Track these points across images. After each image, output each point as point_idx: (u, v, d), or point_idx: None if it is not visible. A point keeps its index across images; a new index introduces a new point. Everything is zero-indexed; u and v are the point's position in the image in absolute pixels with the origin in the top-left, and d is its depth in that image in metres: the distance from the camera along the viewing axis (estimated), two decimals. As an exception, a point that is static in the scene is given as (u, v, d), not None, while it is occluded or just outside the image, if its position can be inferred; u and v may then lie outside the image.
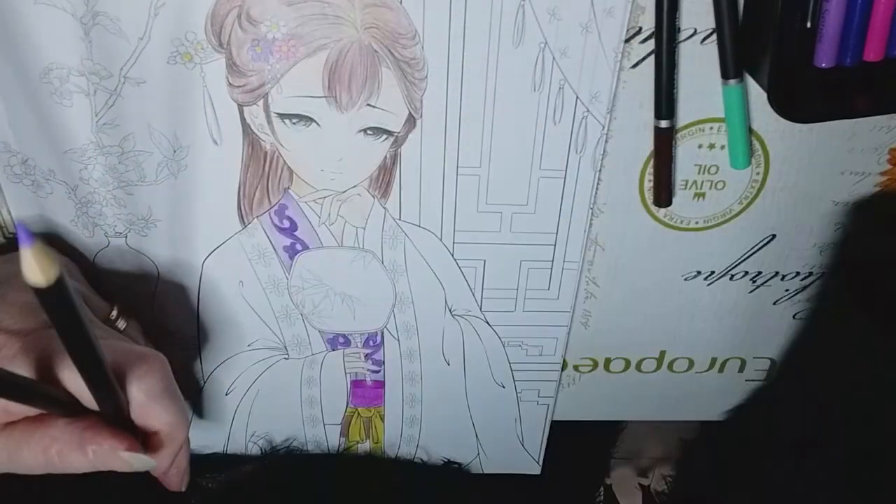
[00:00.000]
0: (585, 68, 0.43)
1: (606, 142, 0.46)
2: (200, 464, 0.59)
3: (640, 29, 0.42)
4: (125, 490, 0.52)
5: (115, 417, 0.37)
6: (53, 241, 0.47)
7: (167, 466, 0.40)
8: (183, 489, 0.43)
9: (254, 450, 0.58)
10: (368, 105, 0.43)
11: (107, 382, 0.35)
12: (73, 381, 0.35)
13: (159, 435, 0.39)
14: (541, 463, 0.61)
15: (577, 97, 0.44)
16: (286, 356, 0.53)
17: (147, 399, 0.38)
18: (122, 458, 0.37)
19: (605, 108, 0.44)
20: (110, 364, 0.36)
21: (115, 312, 0.45)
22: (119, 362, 0.37)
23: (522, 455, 0.61)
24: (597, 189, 0.47)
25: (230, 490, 0.57)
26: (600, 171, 0.47)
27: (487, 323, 0.53)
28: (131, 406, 0.38)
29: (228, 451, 0.58)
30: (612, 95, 0.44)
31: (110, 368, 0.35)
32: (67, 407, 0.36)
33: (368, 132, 0.44)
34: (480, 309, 0.52)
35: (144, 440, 0.39)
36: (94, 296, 0.45)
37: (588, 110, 0.44)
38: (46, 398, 0.35)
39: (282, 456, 0.58)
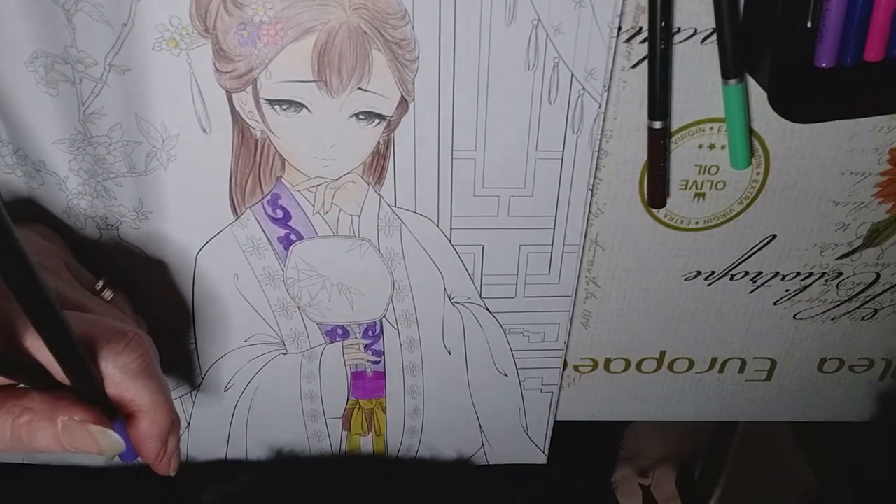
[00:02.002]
0: (580, 45, 0.42)
1: (605, 141, 0.45)
2: (199, 474, 0.58)
3: (641, 29, 0.42)
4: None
5: (90, 395, 0.36)
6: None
7: (156, 451, 0.39)
8: (172, 474, 0.42)
9: (256, 452, 0.57)
10: (360, 89, 0.42)
11: (74, 353, 0.34)
12: (42, 353, 0.34)
13: (140, 416, 0.38)
14: (546, 453, 0.61)
15: (573, 75, 0.43)
16: (284, 351, 0.52)
17: (123, 377, 0.37)
18: (91, 434, 0.36)
19: (602, 86, 0.43)
20: (83, 337, 0.35)
21: (101, 283, 0.44)
22: (93, 336, 0.36)
23: (528, 445, 0.60)
24: (595, 173, 0.47)
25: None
26: (598, 154, 0.46)
27: (488, 310, 0.52)
28: (106, 383, 0.37)
29: (229, 449, 0.57)
30: (608, 72, 0.43)
31: (79, 340, 0.34)
32: (41, 381, 0.35)
33: (360, 117, 0.43)
34: (480, 296, 0.51)
35: (128, 423, 0.38)
36: (77, 265, 0.44)
37: (584, 88, 0.43)
38: (17, 367, 0.34)
39: (284, 463, 0.58)
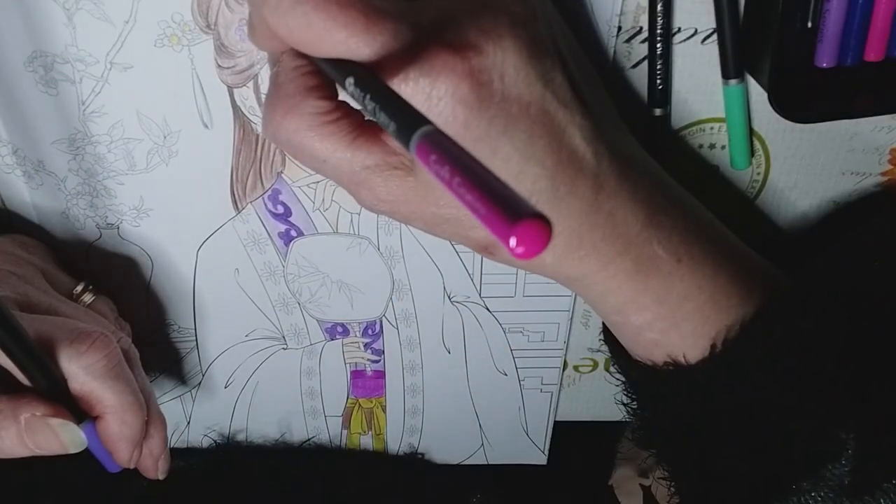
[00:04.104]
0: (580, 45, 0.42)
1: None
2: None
3: (641, 29, 0.42)
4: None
5: (53, 395, 0.36)
6: (46, 232, 0.46)
7: (128, 454, 0.39)
8: (161, 476, 0.42)
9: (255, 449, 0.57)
10: (360, 86, 0.42)
11: (30, 353, 0.34)
12: (4, 357, 0.35)
13: (109, 418, 0.38)
14: (546, 453, 0.60)
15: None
16: (284, 346, 0.52)
17: (87, 377, 0.37)
18: (52, 428, 0.36)
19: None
20: (45, 338, 0.36)
21: (79, 288, 0.44)
22: (55, 337, 0.36)
23: (528, 445, 0.60)
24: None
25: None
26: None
27: (487, 309, 0.52)
28: (70, 383, 0.37)
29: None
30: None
31: (40, 341, 0.35)
32: (5, 384, 0.36)
33: (361, 114, 0.43)
34: (480, 295, 0.51)
35: (98, 425, 0.38)
36: (57, 272, 0.45)
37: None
38: None
39: (283, 460, 0.58)
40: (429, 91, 0.30)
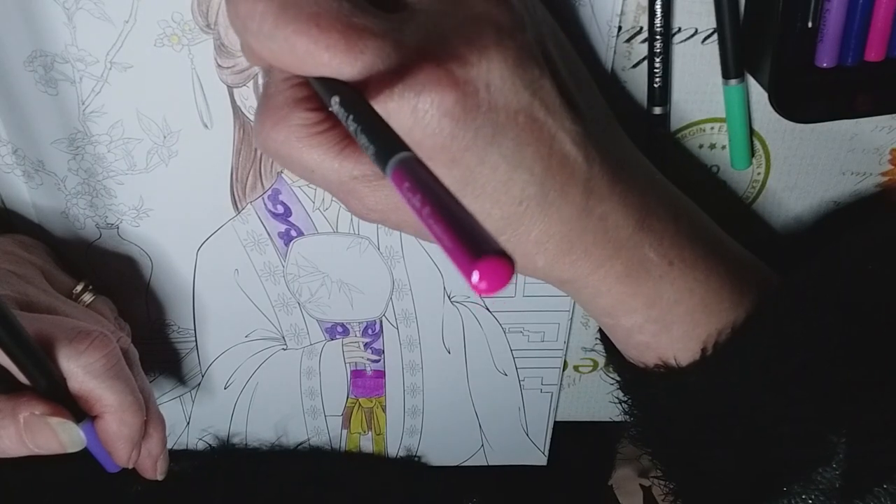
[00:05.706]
0: (580, 45, 0.42)
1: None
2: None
3: (641, 29, 0.42)
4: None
5: (52, 394, 0.36)
6: (45, 232, 0.46)
7: (127, 453, 0.39)
8: (159, 477, 0.42)
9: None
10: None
11: (29, 352, 0.34)
12: (4, 357, 0.35)
13: (108, 417, 0.38)
14: (547, 454, 0.60)
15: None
16: (284, 347, 0.52)
17: (87, 376, 0.37)
18: (51, 427, 0.36)
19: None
20: (44, 337, 0.36)
21: (79, 287, 0.44)
22: (54, 336, 0.36)
23: (528, 445, 0.60)
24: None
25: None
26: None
27: (487, 309, 0.52)
28: (69, 383, 0.37)
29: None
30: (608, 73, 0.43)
31: (39, 340, 0.35)
32: (4, 384, 0.36)
33: (361, 114, 0.43)
34: (480, 295, 0.51)
35: (97, 425, 0.38)
36: (57, 271, 0.45)
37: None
38: None
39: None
40: (414, 104, 0.31)
